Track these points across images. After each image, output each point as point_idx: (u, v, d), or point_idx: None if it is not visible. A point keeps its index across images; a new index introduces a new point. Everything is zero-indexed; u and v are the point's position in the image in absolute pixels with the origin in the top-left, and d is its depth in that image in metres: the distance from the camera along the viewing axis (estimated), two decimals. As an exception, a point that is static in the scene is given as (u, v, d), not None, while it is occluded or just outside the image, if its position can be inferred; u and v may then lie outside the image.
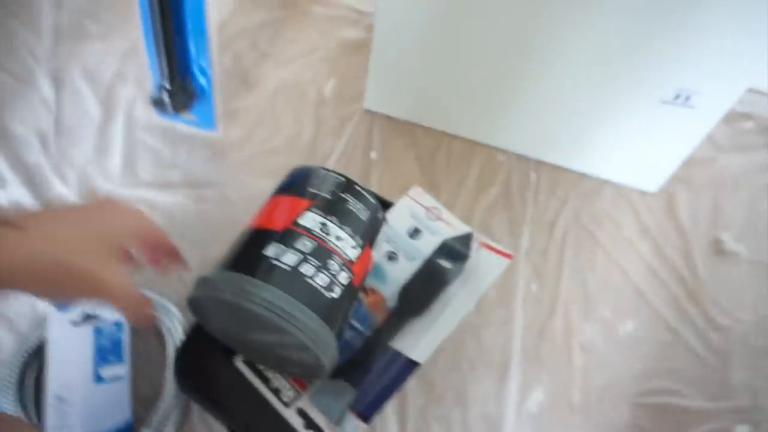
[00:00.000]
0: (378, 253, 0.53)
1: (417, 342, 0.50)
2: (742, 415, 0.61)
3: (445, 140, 0.78)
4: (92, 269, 0.32)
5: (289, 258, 0.40)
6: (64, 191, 0.68)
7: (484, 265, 0.56)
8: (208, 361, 0.49)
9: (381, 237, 0.49)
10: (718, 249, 0.72)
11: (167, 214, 0.67)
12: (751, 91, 0.86)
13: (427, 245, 0.56)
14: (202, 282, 0.41)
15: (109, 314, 0.54)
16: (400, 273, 0.54)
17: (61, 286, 0.31)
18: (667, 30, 0.60)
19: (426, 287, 0.53)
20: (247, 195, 0.70)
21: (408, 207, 0.59)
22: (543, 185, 0.76)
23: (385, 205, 0.59)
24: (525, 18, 0.63)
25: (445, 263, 0.54)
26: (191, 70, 0.71)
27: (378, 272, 0.54)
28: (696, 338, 0.65)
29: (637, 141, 0.72)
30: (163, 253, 0.42)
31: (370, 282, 0.53)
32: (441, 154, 0.77)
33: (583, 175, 0.77)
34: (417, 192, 0.61)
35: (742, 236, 0.73)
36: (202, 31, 0.67)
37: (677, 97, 0.66)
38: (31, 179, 0.68)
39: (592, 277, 0.69)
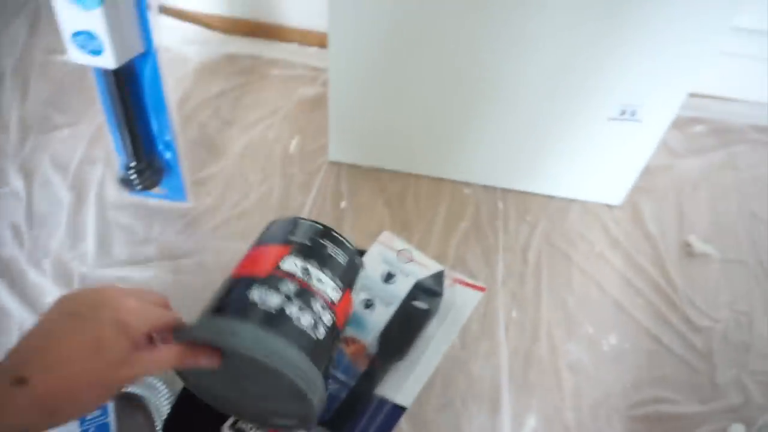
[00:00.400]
0: (355, 302, 0.54)
1: (401, 385, 0.51)
2: (735, 413, 0.61)
3: (411, 181, 0.80)
4: (111, 392, 0.32)
5: (274, 300, 0.41)
6: (41, 280, 0.68)
7: (460, 300, 0.56)
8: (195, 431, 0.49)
9: (359, 284, 0.50)
10: (687, 252, 0.74)
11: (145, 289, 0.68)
12: (695, 96, 0.90)
13: (401, 288, 0.57)
14: (188, 330, 0.41)
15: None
16: (378, 319, 0.54)
17: (90, 409, 0.32)
18: (604, 51, 0.64)
19: (404, 330, 0.53)
20: (222, 260, 0.71)
21: (379, 253, 0.60)
22: (511, 212, 0.78)
23: (360, 253, 0.60)
24: (472, 56, 0.66)
25: (420, 304, 0.55)
26: (156, 147, 0.73)
27: (356, 321, 0.54)
28: (679, 343, 0.66)
29: (593, 158, 0.75)
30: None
31: (350, 331, 0.54)
32: (409, 195, 0.79)
33: (549, 198, 0.80)
34: (387, 236, 0.62)
35: (709, 236, 0.76)
36: (162, 109, 0.70)
37: (623, 112, 0.69)
38: (5, 272, 0.69)
39: (570, 297, 0.70)
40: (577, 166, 0.77)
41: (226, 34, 0.98)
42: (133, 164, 0.70)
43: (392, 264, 0.58)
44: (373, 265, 0.58)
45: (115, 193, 0.77)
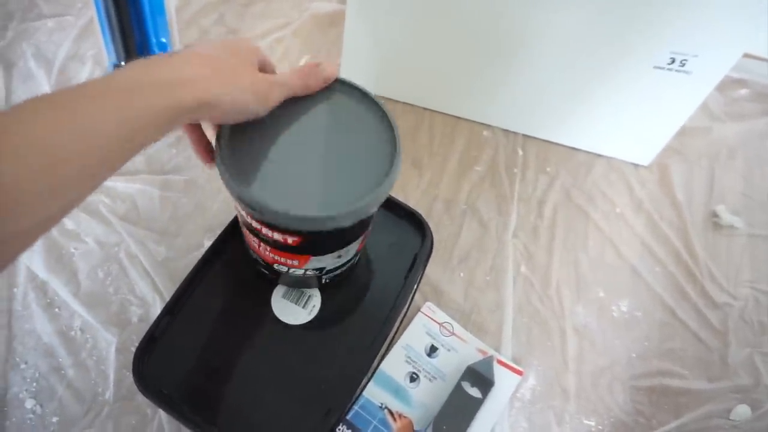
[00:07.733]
0: (400, 374, 0.54)
1: None
2: (742, 394, 0.58)
3: (426, 116, 0.74)
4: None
5: None
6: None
7: (498, 381, 0.55)
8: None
9: None
10: (714, 223, 0.69)
11: (130, 203, 0.63)
12: (744, 56, 0.82)
13: (445, 363, 0.55)
14: None
15: None
16: (423, 395, 0.53)
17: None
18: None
19: (459, 417, 0.52)
20: (213, 179, 0.65)
21: (423, 324, 0.58)
22: (531, 161, 0.72)
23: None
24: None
25: (474, 391, 0.53)
26: (150, 48, 0.65)
27: (401, 395, 0.53)
28: (694, 317, 0.62)
29: (629, 110, 0.69)
30: None
31: (396, 406, 0.52)
32: (423, 131, 0.73)
33: (573, 150, 0.74)
34: (429, 308, 0.60)
35: (739, 209, 0.70)
36: (160, 6, 0.62)
37: (672, 61, 0.62)
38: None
39: (584, 257, 0.65)
40: (609, 118, 0.70)
41: (237, -67, 0.89)
42: (123, 64, 0.63)
43: (435, 337, 0.57)
44: (417, 337, 0.57)
45: (103, 96, 0.70)
